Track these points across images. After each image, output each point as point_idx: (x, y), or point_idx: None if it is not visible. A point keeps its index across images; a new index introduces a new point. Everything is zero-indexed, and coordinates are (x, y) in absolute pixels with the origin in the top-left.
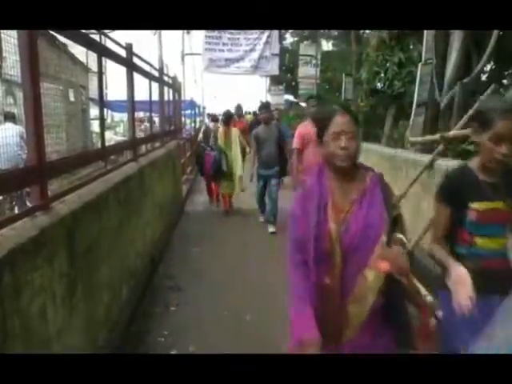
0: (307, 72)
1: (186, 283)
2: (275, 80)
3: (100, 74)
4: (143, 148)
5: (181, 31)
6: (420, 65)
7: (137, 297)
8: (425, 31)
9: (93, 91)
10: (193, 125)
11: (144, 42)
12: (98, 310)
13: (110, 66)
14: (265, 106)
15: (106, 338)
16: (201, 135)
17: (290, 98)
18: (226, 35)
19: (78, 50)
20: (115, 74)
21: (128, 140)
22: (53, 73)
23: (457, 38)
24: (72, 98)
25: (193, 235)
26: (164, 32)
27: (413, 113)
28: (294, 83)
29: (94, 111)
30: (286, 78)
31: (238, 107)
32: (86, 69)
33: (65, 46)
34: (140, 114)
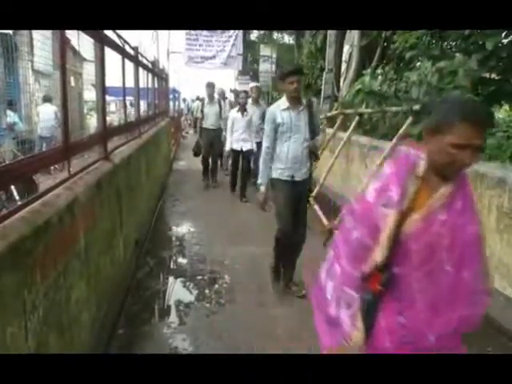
0: (266, 68)
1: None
2: (242, 70)
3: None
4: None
5: (167, 32)
6: (324, 73)
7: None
8: (327, 49)
9: (89, 77)
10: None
11: (136, 34)
12: (147, 205)
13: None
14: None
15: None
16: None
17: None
18: (202, 37)
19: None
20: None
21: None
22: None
23: (355, 52)
24: (73, 84)
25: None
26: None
27: (321, 102)
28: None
29: (87, 94)
30: (252, 68)
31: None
32: (81, 57)
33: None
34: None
